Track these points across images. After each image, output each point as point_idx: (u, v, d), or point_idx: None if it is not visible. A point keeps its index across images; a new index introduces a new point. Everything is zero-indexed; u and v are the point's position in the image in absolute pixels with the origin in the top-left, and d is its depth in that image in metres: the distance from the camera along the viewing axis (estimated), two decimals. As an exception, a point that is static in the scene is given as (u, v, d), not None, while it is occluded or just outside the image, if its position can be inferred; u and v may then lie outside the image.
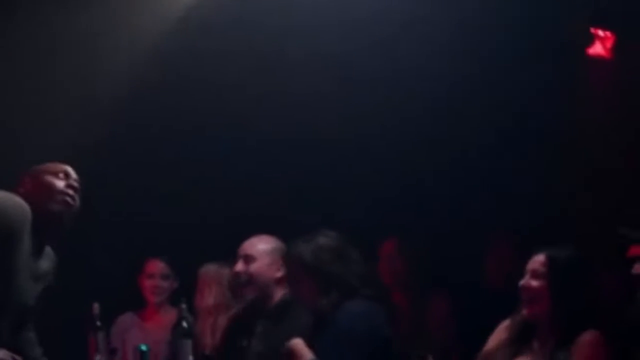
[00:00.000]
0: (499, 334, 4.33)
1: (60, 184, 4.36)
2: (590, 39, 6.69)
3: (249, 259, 5.20)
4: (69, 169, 4.45)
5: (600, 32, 6.68)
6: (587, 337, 4.04)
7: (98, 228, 6.76)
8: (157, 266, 6.35)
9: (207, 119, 6.93)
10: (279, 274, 5.18)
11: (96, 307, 4.83)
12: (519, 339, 4.25)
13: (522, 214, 6.59)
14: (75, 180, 4.43)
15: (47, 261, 4.40)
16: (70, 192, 4.37)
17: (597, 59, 6.69)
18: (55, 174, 4.39)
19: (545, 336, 4.19)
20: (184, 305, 5.17)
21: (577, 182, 6.64)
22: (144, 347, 5.36)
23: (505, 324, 4.35)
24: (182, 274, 6.36)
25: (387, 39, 6.59)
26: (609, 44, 6.67)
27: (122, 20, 6.31)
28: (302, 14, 6.38)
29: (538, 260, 4.25)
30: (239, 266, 5.24)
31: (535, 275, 4.21)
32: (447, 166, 6.91)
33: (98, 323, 4.82)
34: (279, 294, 5.19)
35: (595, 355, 4.04)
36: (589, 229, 6.26)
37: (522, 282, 4.24)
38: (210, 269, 5.91)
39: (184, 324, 5.13)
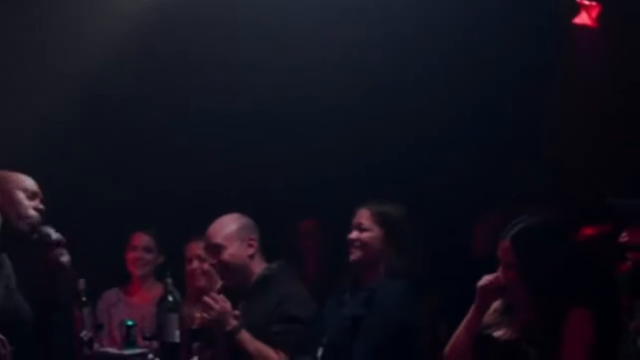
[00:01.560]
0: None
1: (30, 204, 4.54)
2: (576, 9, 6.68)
3: (218, 248, 5.15)
4: (37, 189, 4.61)
5: (586, 1, 6.66)
6: (574, 316, 3.99)
7: (84, 204, 6.76)
8: (141, 238, 6.33)
9: (193, 92, 6.93)
10: (252, 250, 5.16)
11: (82, 282, 4.82)
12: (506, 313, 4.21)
13: (508, 185, 6.60)
14: (41, 200, 4.59)
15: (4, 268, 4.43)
16: (37, 215, 4.56)
17: (583, 28, 6.67)
18: (26, 191, 4.56)
19: (523, 316, 4.13)
20: (169, 280, 5.17)
21: (564, 151, 6.64)
22: (130, 322, 5.37)
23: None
24: (168, 248, 6.35)
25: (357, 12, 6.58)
26: (594, 13, 6.65)
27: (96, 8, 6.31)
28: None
29: (505, 246, 4.09)
30: (211, 258, 5.22)
31: (507, 265, 4.08)
32: (434, 137, 6.90)
33: (84, 299, 4.80)
34: (257, 269, 5.17)
35: (584, 333, 4.00)
36: (576, 198, 6.26)
37: (498, 273, 4.14)
38: (197, 244, 5.88)
39: (170, 299, 5.13)
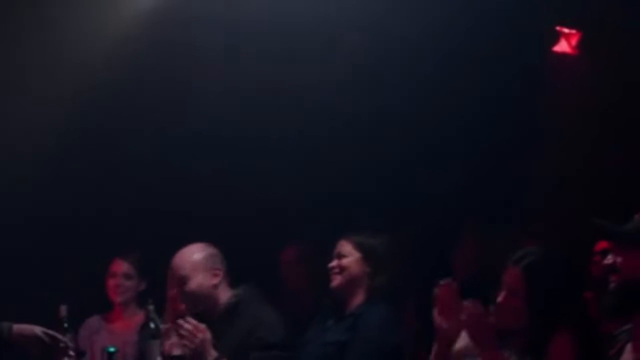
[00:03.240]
0: None
1: None
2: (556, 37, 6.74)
3: (182, 280, 5.15)
4: None
5: (566, 30, 6.72)
6: (559, 341, 4.01)
7: (65, 230, 6.75)
8: (120, 265, 6.31)
9: (175, 116, 6.94)
10: (217, 280, 5.17)
11: (63, 309, 4.81)
12: None
13: (488, 206, 6.63)
14: None
15: None
16: None
17: (563, 56, 6.73)
18: None
19: (516, 339, 4.14)
20: (151, 307, 5.15)
21: (543, 174, 6.69)
22: (112, 349, 5.33)
23: None
24: (150, 275, 6.33)
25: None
26: (574, 41, 6.72)
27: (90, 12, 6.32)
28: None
29: (514, 274, 4.13)
30: (175, 291, 5.20)
31: (512, 292, 4.10)
32: (416, 158, 6.94)
33: (66, 325, 4.79)
34: (223, 297, 5.18)
35: (568, 358, 4.02)
36: (557, 222, 6.30)
37: (500, 299, 4.14)
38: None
39: (152, 325, 5.11)
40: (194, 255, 5.20)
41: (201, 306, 5.15)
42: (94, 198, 6.90)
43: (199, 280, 5.15)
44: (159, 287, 5.91)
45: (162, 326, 5.16)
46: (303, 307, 6.24)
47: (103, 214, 6.91)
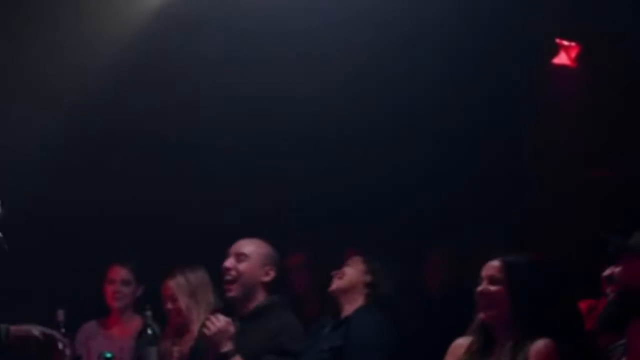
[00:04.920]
0: (455, 350, 4.35)
1: None
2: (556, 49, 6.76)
3: (241, 257, 5.25)
4: None
5: (565, 42, 6.75)
6: (540, 345, 4.07)
7: (64, 235, 6.75)
8: (118, 272, 6.31)
9: (175, 122, 6.96)
10: (267, 278, 5.25)
11: (61, 313, 4.81)
12: (479, 352, 4.27)
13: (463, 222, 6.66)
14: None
15: None
16: None
17: (562, 68, 6.75)
18: None
19: (504, 339, 4.21)
20: (148, 313, 5.16)
21: (534, 188, 6.71)
22: (108, 355, 5.34)
23: (459, 342, 4.36)
24: (148, 281, 6.34)
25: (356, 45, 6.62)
26: (573, 54, 6.74)
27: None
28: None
29: (493, 266, 4.28)
30: (230, 262, 5.27)
31: (492, 281, 4.25)
32: (392, 173, 6.97)
33: (63, 330, 4.79)
34: (260, 297, 5.24)
35: None
36: (545, 235, 6.33)
37: (479, 288, 4.26)
38: (180, 280, 5.84)
39: (149, 332, 5.13)
40: (261, 246, 5.30)
41: (240, 292, 5.20)
42: (92, 203, 6.91)
43: (254, 267, 5.23)
44: (156, 292, 5.93)
45: (160, 332, 5.19)
46: (308, 312, 6.25)
47: (101, 219, 6.92)
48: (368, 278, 5.26)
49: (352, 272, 5.29)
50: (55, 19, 6.27)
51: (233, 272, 5.24)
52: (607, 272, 4.32)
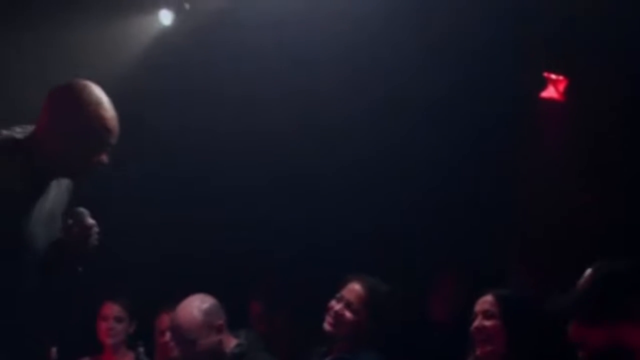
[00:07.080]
0: None
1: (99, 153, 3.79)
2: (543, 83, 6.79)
3: (191, 343, 5.09)
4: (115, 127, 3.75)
5: (553, 76, 6.78)
6: None
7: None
8: (112, 309, 6.33)
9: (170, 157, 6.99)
10: (222, 335, 5.13)
11: (54, 351, 4.82)
12: None
13: (468, 249, 6.67)
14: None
15: (53, 199, 3.95)
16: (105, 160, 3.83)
17: (550, 102, 6.79)
18: (106, 133, 3.72)
19: None
20: (141, 349, 5.18)
21: (526, 220, 6.73)
22: (102, 391, 5.37)
23: None
24: (140, 317, 6.34)
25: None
26: (561, 87, 6.77)
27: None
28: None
29: (487, 300, 4.29)
30: (178, 350, 5.18)
31: (486, 315, 4.25)
32: (393, 201, 6.99)
33: (56, 367, 4.81)
34: (228, 347, 5.15)
35: None
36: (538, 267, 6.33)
37: (474, 325, 4.27)
38: (168, 316, 5.83)
39: (141, 367, 5.14)
40: (197, 314, 5.12)
41: None
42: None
43: (207, 340, 5.10)
44: (148, 327, 5.94)
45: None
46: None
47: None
48: (368, 318, 5.04)
49: (355, 321, 5.03)
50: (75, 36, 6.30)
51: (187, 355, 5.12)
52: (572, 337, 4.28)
